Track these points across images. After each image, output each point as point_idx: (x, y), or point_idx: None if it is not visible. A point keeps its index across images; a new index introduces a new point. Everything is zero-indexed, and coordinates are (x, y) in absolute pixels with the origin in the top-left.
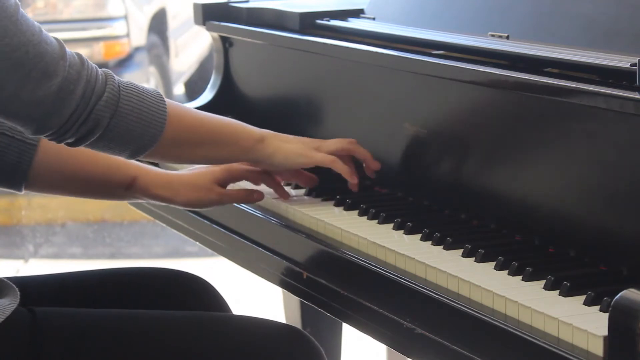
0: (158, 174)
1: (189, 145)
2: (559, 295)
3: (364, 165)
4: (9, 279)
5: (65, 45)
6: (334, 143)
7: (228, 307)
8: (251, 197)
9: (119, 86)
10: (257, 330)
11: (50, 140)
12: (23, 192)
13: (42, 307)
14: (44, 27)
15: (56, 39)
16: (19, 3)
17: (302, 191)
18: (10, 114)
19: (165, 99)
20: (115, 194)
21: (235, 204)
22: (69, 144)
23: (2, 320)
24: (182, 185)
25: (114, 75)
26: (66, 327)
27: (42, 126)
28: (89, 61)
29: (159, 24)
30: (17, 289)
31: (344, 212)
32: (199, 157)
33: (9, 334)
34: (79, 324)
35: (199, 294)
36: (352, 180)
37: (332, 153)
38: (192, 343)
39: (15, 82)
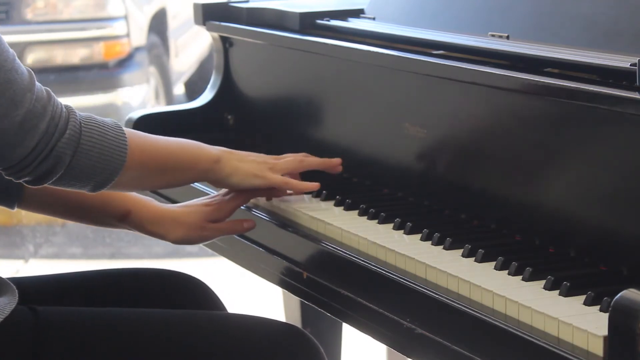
0: (152, 210)
1: (151, 174)
2: (559, 295)
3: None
4: (9, 279)
5: (35, 79)
6: (286, 164)
7: (223, 306)
8: (241, 227)
9: (80, 123)
10: (257, 328)
11: (7, 176)
12: (15, 209)
13: (44, 306)
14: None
15: (28, 70)
16: None
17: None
18: None
19: (125, 130)
20: (108, 223)
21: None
22: (27, 183)
23: (1, 319)
24: (174, 223)
25: (76, 111)
26: (68, 325)
27: (1, 158)
28: (56, 98)
29: (159, 24)
30: (15, 287)
31: (344, 212)
32: (160, 185)
33: (10, 333)
34: (81, 323)
35: (194, 294)
36: (312, 188)
37: (284, 173)
38: (193, 341)
39: None
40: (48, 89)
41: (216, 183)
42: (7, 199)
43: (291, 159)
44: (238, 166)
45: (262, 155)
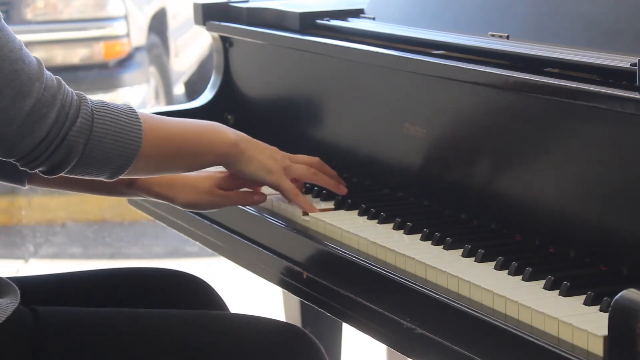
0: None
1: (167, 159)
2: (559, 295)
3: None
4: (9, 278)
5: (44, 67)
6: (299, 171)
7: (226, 306)
8: (251, 199)
9: (92, 110)
10: (258, 328)
11: (21, 167)
12: (26, 186)
13: (44, 307)
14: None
15: (37, 59)
16: (2, 15)
17: (303, 191)
18: None
19: (139, 113)
20: (117, 190)
21: None
22: (42, 173)
23: (3, 319)
24: (184, 186)
25: (87, 99)
26: (68, 326)
27: (11, 148)
28: (66, 86)
29: (159, 24)
30: (17, 288)
31: (344, 212)
32: (177, 169)
33: (11, 333)
34: (81, 323)
35: (197, 294)
36: (313, 211)
37: (297, 177)
38: (193, 341)
39: None
40: (59, 77)
41: (230, 168)
42: (16, 175)
43: (305, 169)
44: (255, 156)
45: (278, 151)
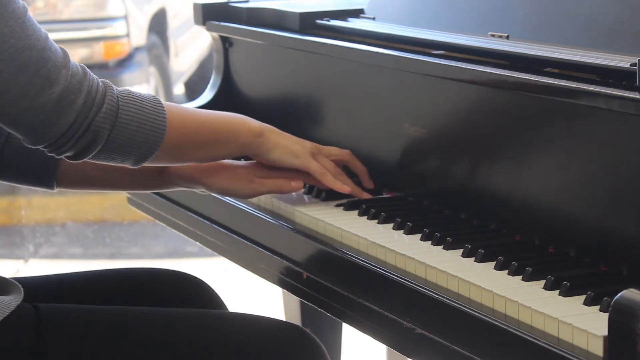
0: None
1: (191, 147)
2: (559, 295)
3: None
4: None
5: (69, 56)
6: (332, 149)
7: (225, 306)
8: (288, 186)
9: (117, 97)
10: (259, 327)
11: (49, 152)
12: (56, 189)
13: (46, 304)
14: (43, 27)
15: (61, 48)
16: (27, 7)
17: (302, 190)
18: (11, 120)
19: (164, 103)
20: (149, 181)
21: (235, 203)
22: (68, 158)
23: (7, 314)
24: (221, 170)
25: (113, 86)
26: (70, 322)
27: (41, 135)
28: (91, 73)
29: (159, 24)
30: (20, 286)
31: (344, 212)
32: (201, 157)
33: (14, 329)
34: (82, 320)
35: (196, 294)
36: (343, 190)
37: (329, 157)
38: (194, 340)
39: (17, 86)
40: (83, 65)
41: (256, 157)
42: (44, 179)
43: (338, 150)
44: (280, 142)
45: (306, 141)
